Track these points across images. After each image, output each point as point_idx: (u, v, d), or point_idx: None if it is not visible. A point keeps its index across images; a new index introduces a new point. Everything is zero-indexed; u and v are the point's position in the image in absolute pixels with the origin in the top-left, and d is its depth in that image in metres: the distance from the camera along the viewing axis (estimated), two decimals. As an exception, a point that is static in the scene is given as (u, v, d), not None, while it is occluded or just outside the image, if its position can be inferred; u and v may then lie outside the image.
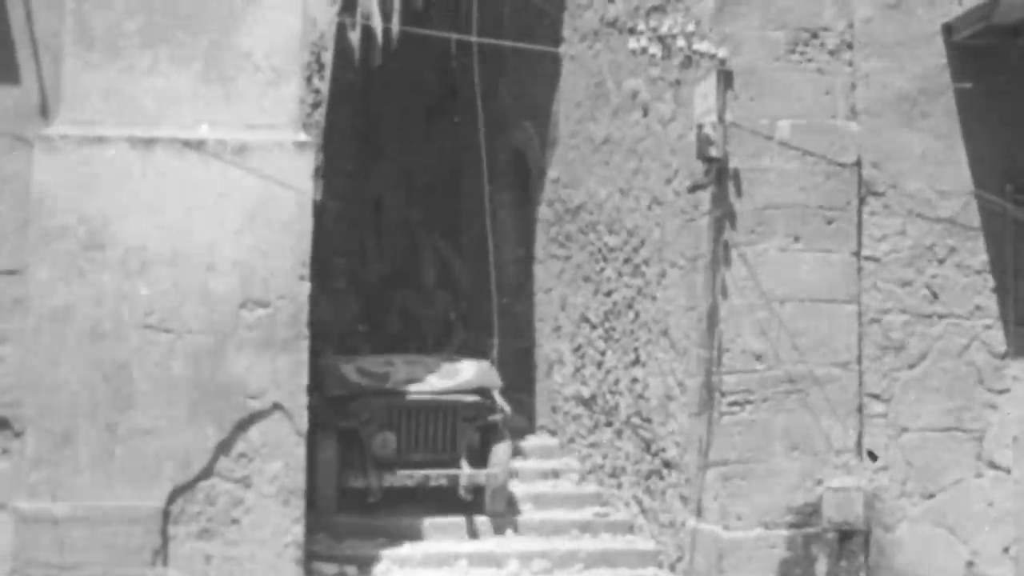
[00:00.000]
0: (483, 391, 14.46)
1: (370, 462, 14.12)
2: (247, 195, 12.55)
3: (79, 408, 12.25)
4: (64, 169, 12.40)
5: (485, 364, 14.82)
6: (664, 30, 11.93)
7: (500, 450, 14.37)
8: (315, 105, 13.17)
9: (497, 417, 14.45)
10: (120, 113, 12.54)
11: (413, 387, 14.33)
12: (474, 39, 14.35)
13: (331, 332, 15.62)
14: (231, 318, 12.46)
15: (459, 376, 14.53)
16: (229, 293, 12.48)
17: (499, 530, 14.05)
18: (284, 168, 12.58)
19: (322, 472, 13.90)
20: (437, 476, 14.09)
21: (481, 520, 14.06)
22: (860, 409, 12.12)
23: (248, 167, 12.48)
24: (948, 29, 12.26)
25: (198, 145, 12.50)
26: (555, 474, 15.38)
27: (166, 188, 12.48)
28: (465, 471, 14.10)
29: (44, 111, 12.46)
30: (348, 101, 21.75)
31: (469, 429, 14.34)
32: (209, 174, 12.52)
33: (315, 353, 13.38)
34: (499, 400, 14.52)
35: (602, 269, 14.84)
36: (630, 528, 13.97)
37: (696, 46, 12.04)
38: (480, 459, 14.35)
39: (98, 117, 12.51)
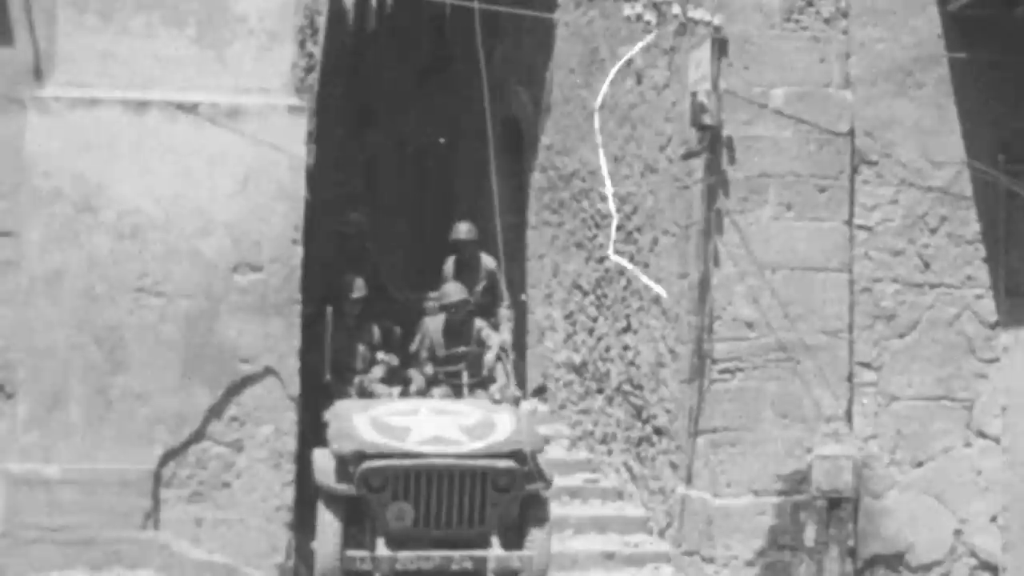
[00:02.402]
0: (521, 455, 11.87)
1: (381, 537, 11.76)
2: (240, 159, 12.54)
3: (71, 371, 12.26)
4: (57, 131, 12.39)
5: (525, 417, 12.57)
6: (659, -3, 11.93)
7: (539, 532, 11.96)
8: (309, 69, 13.15)
9: (537, 487, 11.98)
10: (114, 76, 12.52)
11: (437, 448, 11.81)
12: (471, 3, 14.30)
13: (345, 365, 13.43)
14: (224, 282, 12.46)
15: (493, 434, 11.99)
16: (222, 257, 12.48)
17: None
18: (277, 132, 12.57)
19: (322, 542, 11.89)
20: (461, 558, 11.69)
21: None
22: (850, 377, 12.15)
23: (241, 131, 12.47)
24: (943, -1, 12.28)
25: (192, 108, 12.48)
26: (545, 440, 15.43)
27: (159, 151, 12.47)
28: (495, 552, 11.73)
29: (38, 73, 12.43)
30: (342, 64, 21.75)
31: (503, 501, 11.81)
32: (202, 138, 12.51)
33: (328, 395, 12.84)
34: (540, 466, 12.08)
35: (594, 236, 14.86)
36: (620, 494, 14.02)
37: (691, 13, 12.04)
38: (515, 538, 11.96)
39: (92, 79, 12.49)
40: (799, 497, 11.99)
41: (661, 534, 13.09)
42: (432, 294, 14.34)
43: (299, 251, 12.60)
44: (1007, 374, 12.20)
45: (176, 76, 12.57)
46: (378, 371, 13.40)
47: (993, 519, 12.17)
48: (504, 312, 14.23)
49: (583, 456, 14.97)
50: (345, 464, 11.86)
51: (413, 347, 13.71)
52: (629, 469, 13.92)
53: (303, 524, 12.30)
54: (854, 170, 12.26)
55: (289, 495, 12.40)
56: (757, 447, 12.03)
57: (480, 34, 14.21)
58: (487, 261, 14.50)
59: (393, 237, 21.50)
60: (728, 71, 12.18)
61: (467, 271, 14.39)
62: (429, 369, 13.51)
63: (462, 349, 13.30)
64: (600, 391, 14.69)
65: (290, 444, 12.42)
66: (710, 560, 11.96)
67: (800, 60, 12.23)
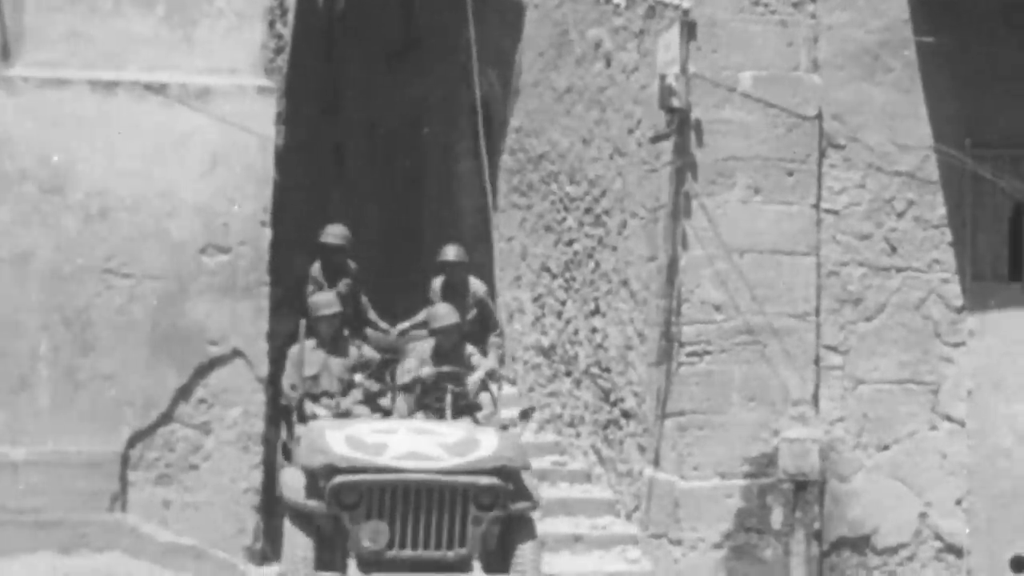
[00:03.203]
0: (505, 472, 11.13)
1: (352, 560, 10.89)
2: (209, 140, 12.53)
3: (38, 353, 12.24)
4: (25, 111, 12.35)
5: (511, 436, 11.74)
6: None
7: (527, 549, 11.18)
8: (278, 51, 13.16)
9: (523, 506, 11.23)
10: (82, 56, 12.49)
11: (415, 463, 11.00)
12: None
13: (320, 388, 12.36)
14: (192, 263, 12.45)
15: (476, 451, 11.20)
16: (190, 238, 12.47)
17: None
18: (246, 113, 12.56)
19: (290, 563, 11.02)
20: None
21: None
22: (817, 361, 12.20)
23: (210, 112, 12.45)
24: (911, -17, 12.31)
25: (160, 89, 12.46)
26: (513, 422, 15.43)
27: (128, 132, 12.46)
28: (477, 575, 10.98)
29: (5, 53, 12.39)
30: (311, 46, 21.69)
31: (485, 520, 11.02)
32: (171, 118, 12.50)
33: (301, 417, 11.86)
34: (528, 484, 11.40)
35: (563, 219, 14.87)
36: (588, 477, 14.05)
37: (660, -4, 12.06)
38: (498, 562, 11.19)
39: (60, 59, 12.46)
40: (766, 480, 12.03)
41: (629, 517, 13.12)
42: (414, 321, 13.34)
43: (268, 233, 12.60)
44: (973, 358, 12.26)
45: (144, 56, 12.55)
46: (356, 394, 12.32)
47: (958, 502, 12.23)
48: (494, 340, 13.47)
49: (551, 439, 14.99)
50: (315, 479, 11.01)
51: (398, 374, 12.53)
52: (597, 452, 13.95)
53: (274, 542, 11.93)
54: (822, 154, 12.29)
55: (257, 477, 12.41)
56: (724, 430, 12.06)
57: (444, 18, 14.07)
58: (476, 286, 13.62)
59: (364, 221, 21.49)
60: (697, 54, 12.19)
61: (455, 295, 13.26)
62: (410, 399, 12.30)
63: (448, 368, 12.21)
64: (568, 374, 14.71)
65: (258, 426, 12.43)
66: (677, 542, 12.00)
67: (768, 44, 12.25)
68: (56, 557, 11.94)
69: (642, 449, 12.87)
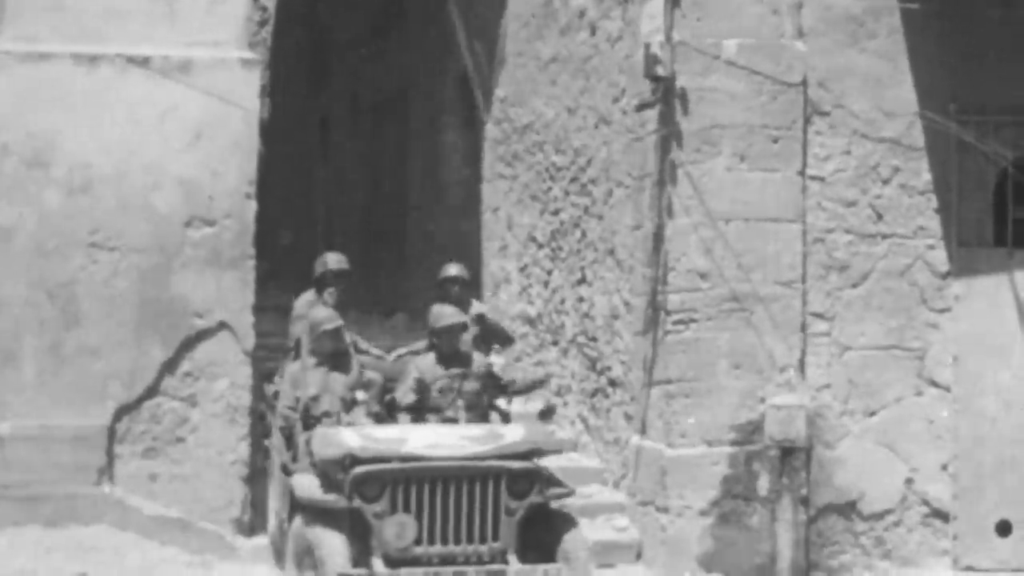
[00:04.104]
0: (539, 455, 10.54)
1: (378, 559, 10.08)
2: (193, 113, 12.52)
3: (24, 327, 12.23)
4: (8, 86, 12.32)
5: (536, 424, 11.14)
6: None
7: (576, 538, 10.43)
8: (262, 23, 13.10)
9: (559, 492, 10.57)
10: (64, 29, 12.45)
11: (439, 451, 10.26)
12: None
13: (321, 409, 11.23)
14: (177, 236, 12.44)
15: (503, 439, 10.51)
16: (174, 211, 12.46)
17: None
18: (230, 86, 12.55)
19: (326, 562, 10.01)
20: (477, 574, 10.09)
21: None
22: (803, 328, 12.20)
23: (194, 84, 12.42)
24: (895, -52, 12.28)
25: (143, 62, 12.43)
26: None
27: (111, 105, 12.44)
28: (515, 567, 10.15)
29: (-14, 27, 12.36)
30: (296, 19, 21.62)
31: (520, 510, 10.23)
32: (154, 91, 12.49)
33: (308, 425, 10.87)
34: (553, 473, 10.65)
35: (549, 188, 14.86)
36: (575, 446, 14.06)
37: (643, -36, 12.03)
38: (536, 555, 10.34)
39: (42, 33, 12.42)
40: (752, 447, 12.05)
41: (616, 485, 13.14)
42: (411, 348, 12.08)
43: (253, 205, 12.59)
44: (959, 324, 12.27)
45: (127, 29, 12.52)
46: (359, 412, 11.17)
47: (944, 468, 12.25)
48: (496, 352, 12.60)
49: (538, 408, 14.97)
50: (333, 472, 10.24)
51: (398, 395, 11.40)
52: (584, 420, 13.97)
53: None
54: (807, 121, 12.27)
55: (244, 449, 12.43)
56: (711, 397, 12.08)
57: None
58: (477, 306, 12.93)
59: (348, 193, 21.48)
60: (681, 22, 12.16)
61: None
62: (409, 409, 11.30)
63: (457, 370, 11.25)
64: (555, 343, 14.72)
65: (245, 398, 12.43)
66: (664, 510, 12.02)
67: (753, 11, 12.22)
68: (43, 531, 11.96)
69: (629, 417, 12.89)
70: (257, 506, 12.33)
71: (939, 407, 12.26)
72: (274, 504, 11.48)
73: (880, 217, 12.33)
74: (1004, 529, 12.17)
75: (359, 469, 10.08)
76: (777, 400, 12.08)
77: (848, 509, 12.16)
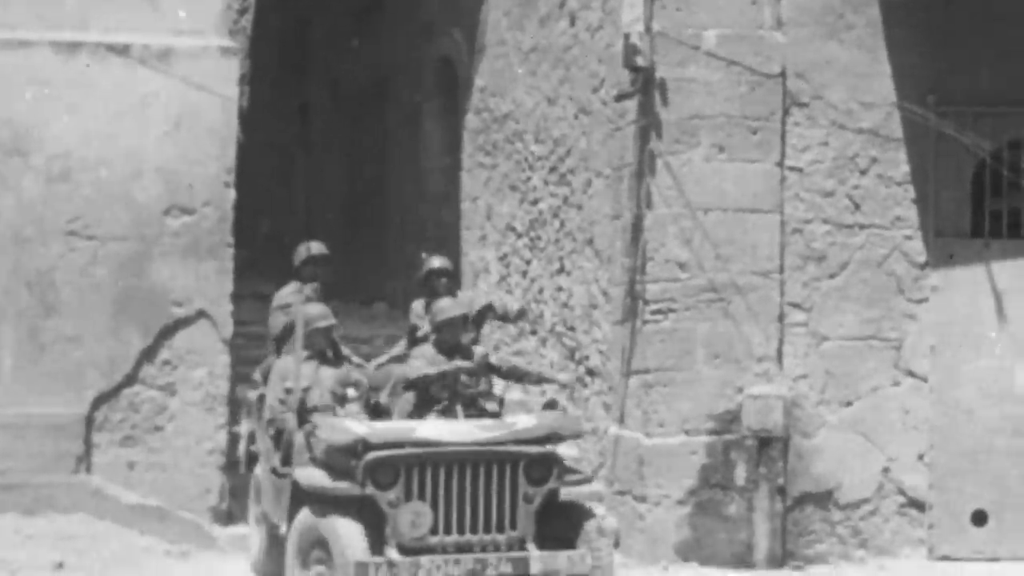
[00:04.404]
0: (556, 439, 10.33)
1: (392, 548, 9.75)
2: (172, 101, 12.50)
3: (2, 315, 12.22)
4: (-14, 74, 12.30)
5: (549, 412, 10.73)
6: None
7: (595, 526, 10.26)
8: (242, 11, 13.09)
9: (578, 478, 10.41)
10: (44, 17, 12.43)
11: (454, 437, 9.99)
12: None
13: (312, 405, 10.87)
14: (156, 225, 12.43)
15: (517, 425, 10.29)
16: (153, 199, 12.45)
17: None
18: (209, 74, 12.54)
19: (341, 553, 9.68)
20: (498, 561, 9.78)
21: None
22: (781, 318, 12.24)
23: (173, 73, 12.41)
24: (874, -60, 12.31)
25: (122, 50, 12.41)
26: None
27: (90, 93, 12.42)
28: (535, 553, 9.87)
29: (-35, 15, 12.33)
30: (276, 6, 21.57)
31: (538, 496, 9.97)
32: (134, 79, 12.47)
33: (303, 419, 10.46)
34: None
35: (528, 178, 14.87)
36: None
37: (623, -46, 12.04)
38: (552, 543, 10.07)
39: (21, 21, 12.40)
40: (730, 436, 12.09)
41: (594, 474, 13.16)
42: (392, 354, 11.82)
43: (232, 194, 12.59)
44: (935, 314, 12.31)
45: (107, 17, 12.50)
46: (354, 407, 10.73)
47: (920, 457, 12.30)
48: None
49: (516, 397, 14.99)
50: (342, 459, 9.87)
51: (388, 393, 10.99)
52: (562, 410, 13.97)
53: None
54: (785, 112, 12.30)
55: (223, 438, 12.42)
56: (689, 387, 12.10)
57: None
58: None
59: (328, 181, 21.45)
60: (661, 13, 12.18)
61: None
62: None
63: (461, 363, 10.76)
64: (534, 332, 14.73)
65: (223, 387, 12.43)
66: (642, 499, 12.06)
67: (732, 2, 12.24)
68: (21, 519, 11.95)
69: (607, 407, 12.91)
70: (236, 495, 12.33)
71: (916, 397, 12.30)
72: (263, 509, 11.02)
73: (858, 207, 12.36)
74: (979, 519, 12.23)
75: (373, 454, 9.73)
76: (755, 390, 12.11)
77: (825, 498, 12.20)
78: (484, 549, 9.86)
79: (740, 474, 12.06)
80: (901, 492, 12.27)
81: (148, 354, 12.34)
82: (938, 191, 12.40)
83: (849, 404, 12.29)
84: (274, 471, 10.77)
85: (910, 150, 12.38)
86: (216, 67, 12.57)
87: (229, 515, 12.40)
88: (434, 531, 9.76)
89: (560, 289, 14.05)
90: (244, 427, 11.58)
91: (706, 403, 12.11)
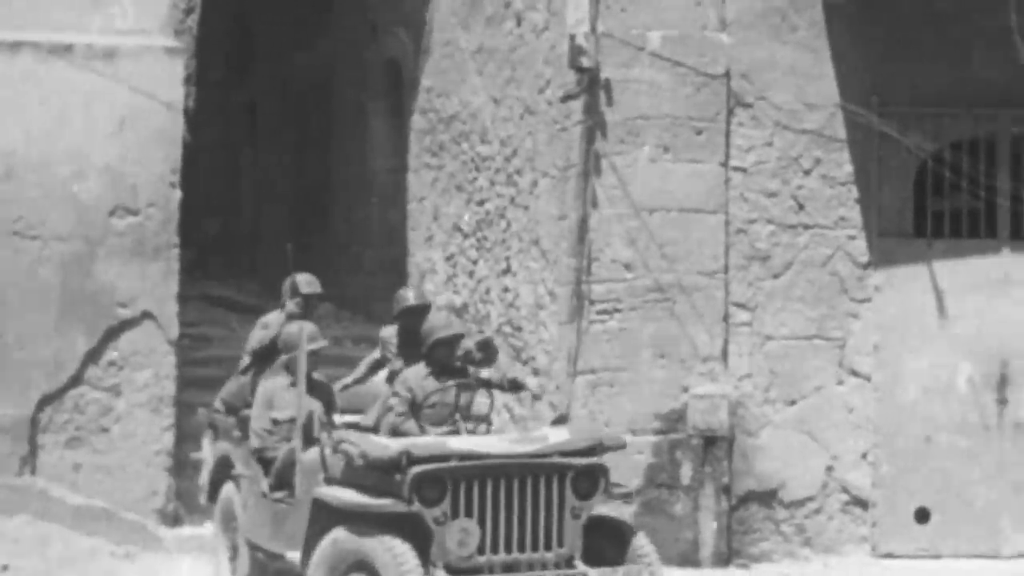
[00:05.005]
0: (602, 450, 9.77)
1: (439, 570, 9.13)
2: (117, 101, 12.47)
3: (-55, 316, 12.15)
4: (-72, 73, 12.23)
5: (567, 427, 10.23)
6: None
7: (642, 543, 9.68)
8: (188, 11, 13.07)
9: (623, 492, 10.30)
10: (-14, 16, 12.36)
11: (497, 449, 9.38)
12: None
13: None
14: (100, 225, 12.39)
15: (552, 437, 9.70)
16: (98, 200, 12.41)
17: None
18: (155, 74, 12.50)
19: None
20: None
21: None
22: (726, 318, 12.30)
23: (117, 73, 12.37)
24: (817, -58, 12.39)
25: (66, 50, 12.36)
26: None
27: (33, 93, 12.37)
28: (591, 572, 9.36)
29: (-94, 14, 12.26)
30: (222, 7, 21.52)
31: (585, 511, 9.43)
32: (78, 79, 12.42)
33: (309, 440, 9.97)
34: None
35: (475, 178, 14.89)
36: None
37: (568, -45, 12.08)
38: (597, 560, 9.53)
39: (-37, 20, 12.33)
40: (675, 436, 12.14)
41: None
42: (356, 376, 11.39)
43: (177, 194, 12.56)
44: (879, 313, 12.41)
45: (50, 17, 12.45)
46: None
47: (864, 456, 12.39)
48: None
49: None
50: (373, 475, 9.23)
51: (377, 415, 10.50)
52: (509, 410, 14.01)
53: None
54: (730, 112, 12.37)
55: (169, 439, 12.39)
56: (634, 387, 12.16)
57: None
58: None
59: (275, 181, 21.41)
60: (606, 13, 12.23)
61: (415, 344, 10.66)
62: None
63: (454, 382, 10.26)
64: (480, 332, 14.75)
65: (169, 388, 12.40)
66: (588, 499, 12.08)
67: (677, 3, 12.30)
68: (-35, 521, 11.92)
69: (554, 407, 12.94)
70: (182, 496, 12.31)
71: (859, 396, 12.39)
72: (245, 536, 10.51)
73: (802, 208, 12.44)
74: (923, 516, 12.33)
75: (418, 468, 9.07)
76: (700, 390, 12.17)
77: (769, 497, 12.27)
78: (532, 568, 9.31)
79: (686, 473, 12.12)
80: (845, 490, 12.36)
81: (93, 355, 12.30)
82: (881, 191, 12.50)
83: (793, 403, 12.37)
84: (265, 496, 10.30)
85: (853, 151, 12.47)
86: (161, 67, 12.54)
87: (175, 517, 12.38)
88: (481, 550, 9.17)
89: (506, 289, 14.08)
90: (207, 451, 11.18)
91: (652, 403, 12.16)
